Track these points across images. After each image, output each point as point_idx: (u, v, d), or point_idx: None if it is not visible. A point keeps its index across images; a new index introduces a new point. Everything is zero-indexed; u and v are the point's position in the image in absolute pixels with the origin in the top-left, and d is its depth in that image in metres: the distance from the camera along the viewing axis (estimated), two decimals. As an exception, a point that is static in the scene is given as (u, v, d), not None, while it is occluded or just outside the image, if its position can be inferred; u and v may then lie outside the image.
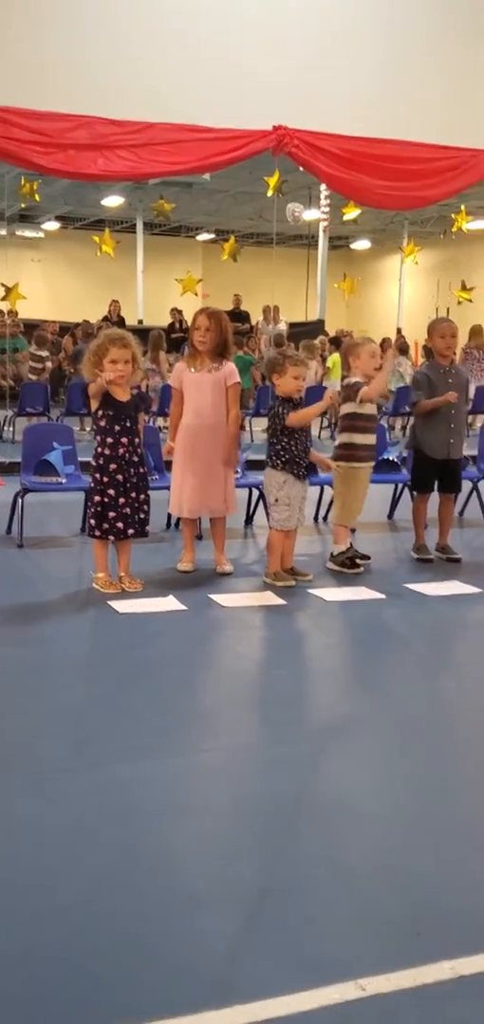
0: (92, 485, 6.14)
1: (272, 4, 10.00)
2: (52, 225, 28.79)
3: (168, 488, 6.89)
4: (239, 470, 7.22)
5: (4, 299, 12.49)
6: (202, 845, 3.24)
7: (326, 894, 2.96)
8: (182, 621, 5.72)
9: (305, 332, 19.91)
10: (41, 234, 29.26)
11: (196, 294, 14.52)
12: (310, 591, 6.33)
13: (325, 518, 8.57)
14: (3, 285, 12.20)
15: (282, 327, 19.29)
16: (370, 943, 2.72)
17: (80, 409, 13.50)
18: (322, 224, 21.05)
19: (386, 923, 2.81)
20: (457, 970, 2.60)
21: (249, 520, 8.45)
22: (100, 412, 6.07)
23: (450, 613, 6.16)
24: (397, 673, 5.15)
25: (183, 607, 5.91)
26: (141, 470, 6.16)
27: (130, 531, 6.11)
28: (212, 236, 30.57)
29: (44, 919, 2.79)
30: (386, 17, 10.53)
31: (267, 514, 6.98)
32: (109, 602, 5.92)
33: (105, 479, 6.02)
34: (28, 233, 28.53)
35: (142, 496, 6.16)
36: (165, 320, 21.02)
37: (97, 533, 6.11)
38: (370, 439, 6.80)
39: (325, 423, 15.26)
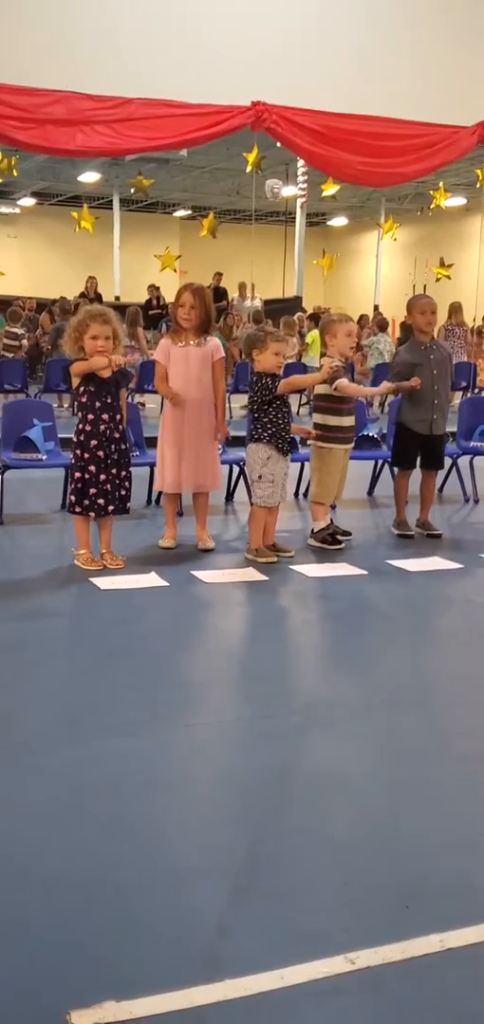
0: (73, 461, 6.10)
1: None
2: (28, 201, 28.59)
3: (150, 465, 6.85)
4: (221, 446, 7.20)
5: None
6: (189, 819, 3.24)
7: (314, 867, 2.96)
8: (164, 597, 5.70)
9: (282, 308, 19.83)
10: (17, 210, 29.09)
11: (175, 270, 14.47)
12: (292, 567, 6.33)
13: (305, 495, 8.56)
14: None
15: (258, 303, 19.22)
16: (359, 916, 2.73)
17: (58, 386, 13.44)
18: (299, 200, 20.99)
19: (375, 896, 2.82)
20: (446, 943, 2.61)
21: (229, 497, 8.43)
22: (81, 388, 6.02)
23: (432, 588, 6.17)
24: (380, 647, 5.17)
25: (165, 583, 5.89)
26: (122, 446, 6.12)
27: (110, 508, 6.08)
28: (189, 212, 30.47)
29: (28, 893, 2.78)
30: (365, -7, 10.51)
31: (248, 491, 6.97)
32: (91, 579, 5.89)
33: (86, 455, 5.98)
34: (4, 209, 28.39)
35: (123, 473, 6.12)
36: (142, 297, 20.90)
37: (77, 509, 6.07)
38: (345, 420, 6.74)
39: (303, 399, 15.23)
